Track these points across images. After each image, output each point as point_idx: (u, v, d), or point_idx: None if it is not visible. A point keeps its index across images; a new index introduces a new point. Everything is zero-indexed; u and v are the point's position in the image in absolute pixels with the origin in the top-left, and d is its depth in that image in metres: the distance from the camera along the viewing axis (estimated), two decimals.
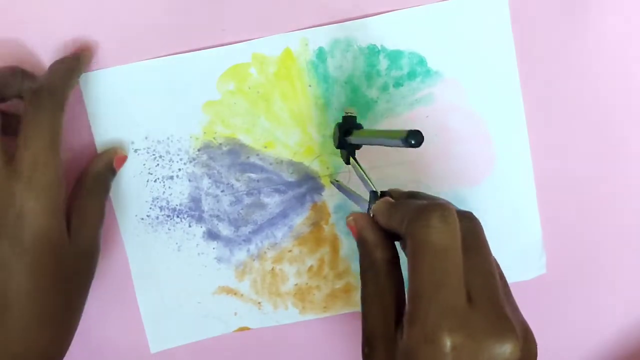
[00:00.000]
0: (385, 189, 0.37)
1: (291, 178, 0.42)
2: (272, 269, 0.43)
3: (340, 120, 0.39)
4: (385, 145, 0.34)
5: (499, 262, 0.34)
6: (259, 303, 0.44)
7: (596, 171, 0.45)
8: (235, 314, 0.43)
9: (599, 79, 0.43)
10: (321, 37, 0.40)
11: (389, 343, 0.31)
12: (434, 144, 0.42)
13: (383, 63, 0.41)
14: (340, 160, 0.40)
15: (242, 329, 0.44)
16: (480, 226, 0.33)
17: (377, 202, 0.36)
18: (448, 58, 0.41)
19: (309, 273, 0.44)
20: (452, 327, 0.28)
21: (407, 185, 0.40)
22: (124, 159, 0.41)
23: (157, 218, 0.42)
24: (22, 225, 0.34)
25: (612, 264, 0.46)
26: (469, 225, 0.32)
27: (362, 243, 0.35)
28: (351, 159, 0.39)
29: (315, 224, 0.43)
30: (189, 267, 0.42)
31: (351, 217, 0.36)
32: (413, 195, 0.37)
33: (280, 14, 0.40)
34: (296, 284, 0.44)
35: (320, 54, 0.40)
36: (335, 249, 0.44)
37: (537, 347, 0.31)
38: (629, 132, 0.45)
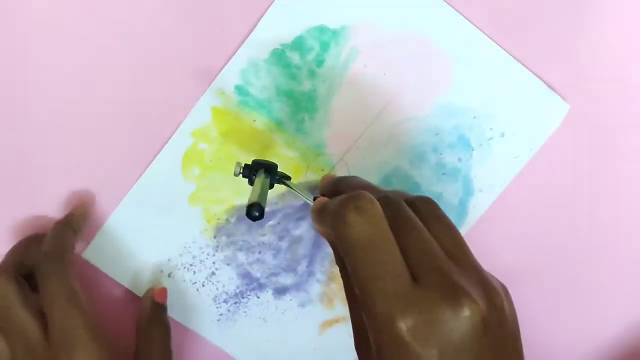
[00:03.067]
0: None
1: (300, 200, 0.42)
2: None
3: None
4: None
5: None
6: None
7: (595, 169, 0.44)
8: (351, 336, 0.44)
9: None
10: (229, 77, 0.40)
11: (365, 335, 0.31)
12: (386, 80, 0.41)
13: (293, 57, 0.40)
14: (329, 157, 0.40)
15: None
16: (400, 202, 0.32)
17: (311, 207, 0.35)
18: (345, 12, 0.40)
19: None
20: (400, 311, 0.28)
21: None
22: (163, 291, 0.42)
23: (229, 310, 0.43)
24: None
25: (612, 264, 0.46)
26: (389, 207, 0.31)
27: (331, 244, 0.36)
28: (280, 184, 0.39)
29: None
30: (283, 328, 0.44)
31: (313, 221, 0.36)
32: (339, 185, 0.36)
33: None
34: None
35: (240, 90, 0.40)
36: None
37: (511, 295, 0.31)
38: (627, 129, 0.44)
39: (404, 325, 0.28)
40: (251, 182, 0.37)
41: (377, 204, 0.31)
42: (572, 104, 0.42)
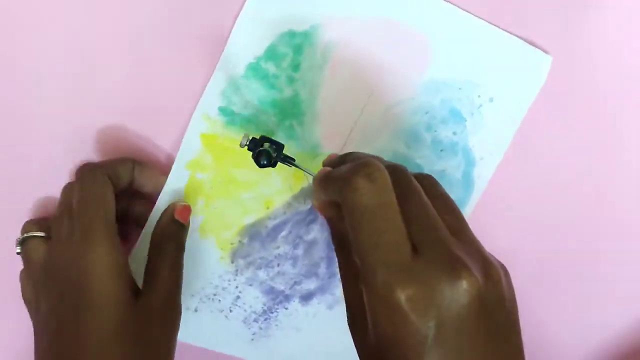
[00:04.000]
0: None
1: (308, 204, 0.42)
2: None
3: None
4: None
5: None
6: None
7: (594, 167, 0.44)
8: None
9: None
10: (210, 100, 0.40)
11: (365, 310, 0.31)
12: (366, 70, 0.41)
13: (269, 67, 0.40)
14: (326, 157, 0.40)
15: None
16: (407, 172, 0.32)
17: (314, 176, 0.35)
18: (311, 12, 0.39)
19: None
20: (400, 281, 0.28)
21: None
22: (185, 208, 0.40)
23: (261, 328, 0.43)
24: (84, 287, 0.35)
25: (612, 262, 0.46)
26: (398, 176, 0.31)
27: (328, 221, 0.36)
28: (280, 163, 0.38)
29: None
30: (316, 332, 0.44)
31: (314, 198, 0.37)
32: (345, 159, 0.36)
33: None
34: None
35: (224, 111, 0.40)
36: None
37: (509, 274, 0.31)
38: (627, 127, 0.44)
39: (403, 296, 0.28)
40: (255, 156, 0.37)
41: (386, 172, 0.31)
42: (555, 56, 0.42)
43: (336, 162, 0.37)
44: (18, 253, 0.39)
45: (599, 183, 0.44)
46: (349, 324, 0.33)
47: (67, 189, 0.39)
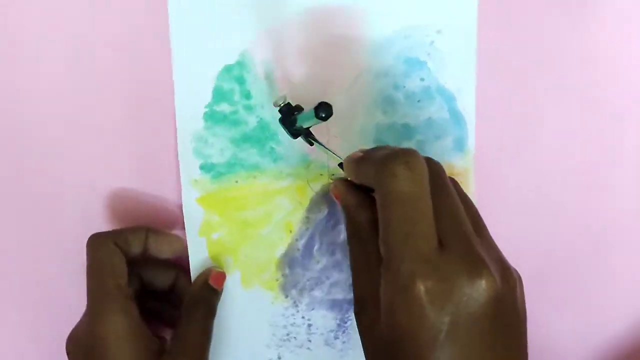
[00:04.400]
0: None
1: (324, 211, 0.42)
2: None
3: (279, 115, 0.38)
4: (311, 125, 0.36)
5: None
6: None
7: (594, 166, 0.44)
8: None
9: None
10: (188, 164, 0.40)
11: (377, 300, 0.31)
12: (310, 68, 0.40)
13: (223, 107, 0.40)
14: (317, 162, 0.40)
15: None
16: (442, 168, 0.33)
17: (345, 158, 0.35)
18: (235, 43, 0.39)
19: None
20: (423, 273, 0.29)
21: None
22: (220, 275, 0.41)
23: (344, 342, 0.43)
24: (102, 356, 0.35)
25: (612, 262, 0.46)
26: (432, 169, 0.32)
27: (345, 208, 0.36)
28: (307, 138, 0.38)
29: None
30: None
31: (332, 185, 0.37)
32: (373, 153, 0.35)
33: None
34: None
35: (206, 167, 0.40)
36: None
37: (522, 281, 0.32)
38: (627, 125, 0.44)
39: (423, 287, 0.29)
40: (283, 122, 0.37)
41: (425, 164, 0.31)
42: None
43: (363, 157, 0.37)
44: None
45: (598, 181, 0.45)
46: (356, 314, 0.34)
47: None
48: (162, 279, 0.41)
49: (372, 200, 0.34)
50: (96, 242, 0.38)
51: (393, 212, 0.30)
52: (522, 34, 0.42)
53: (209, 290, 0.40)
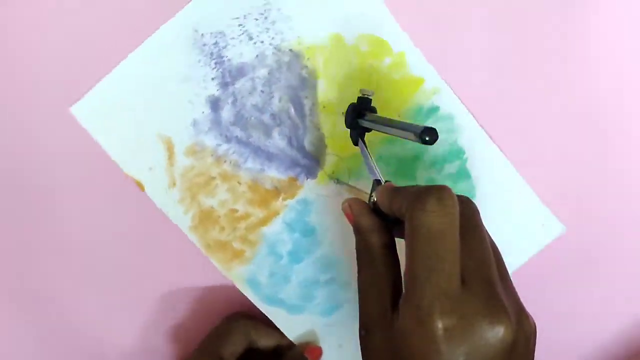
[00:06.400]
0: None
1: (307, 146, 0.44)
2: (213, 178, 0.44)
3: (355, 101, 0.39)
4: (396, 135, 0.34)
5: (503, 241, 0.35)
6: (174, 184, 0.43)
7: (595, 168, 0.45)
8: (151, 169, 0.43)
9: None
10: (448, 101, 0.44)
11: (385, 326, 0.32)
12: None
13: (451, 168, 0.45)
14: (345, 175, 0.44)
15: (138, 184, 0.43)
16: (477, 209, 0.33)
17: (379, 186, 0.35)
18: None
19: (228, 211, 0.44)
20: (444, 310, 0.29)
21: None
22: (318, 350, 0.43)
23: (204, 45, 0.42)
24: None
25: (613, 262, 0.47)
26: (466, 208, 0.32)
27: (358, 229, 0.35)
28: (360, 141, 0.39)
29: (275, 191, 0.44)
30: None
31: (346, 203, 0.36)
32: (400, 192, 0.36)
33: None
34: (211, 206, 0.44)
35: (432, 111, 0.44)
36: (264, 222, 0.45)
37: (536, 328, 0.32)
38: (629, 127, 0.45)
39: (442, 325, 0.29)
40: (355, 109, 0.39)
41: (457, 202, 0.31)
42: None
43: (392, 193, 0.36)
44: None
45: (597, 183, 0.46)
46: (361, 338, 0.34)
47: None
48: (266, 341, 0.43)
49: (386, 226, 0.35)
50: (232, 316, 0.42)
51: (419, 246, 0.30)
52: None
53: None
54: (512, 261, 0.46)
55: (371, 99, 0.39)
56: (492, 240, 0.34)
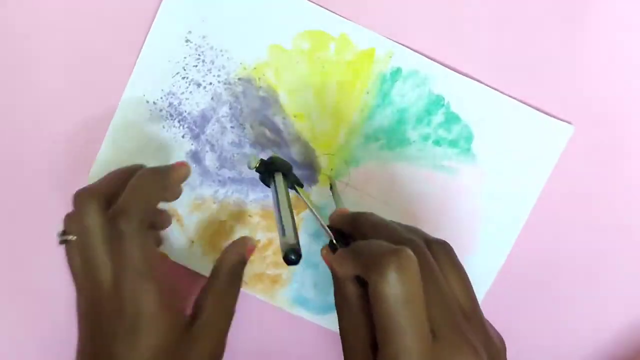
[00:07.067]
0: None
1: (297, 157, 0.45)
2: (225, 221, 0.45)
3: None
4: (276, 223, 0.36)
5: None
6: (192, 242, 0.45)
7: (595, 171, 0.45)
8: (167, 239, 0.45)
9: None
10: (406, 59, 0.43)
11: None
12: (434, 209, 0.45)
13: (438, 117, 0.44)
14: (344, 168, 0.45)
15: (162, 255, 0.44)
16: (428, 254, 0.33)
17: (333, 256, 0.35)
18: (491, 150, 0.44)
19: None
20: None
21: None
22: (253, 249, 0.41)
23: (161, 111, 0.44)
24: (138, 327, 0.35)
25: (612, 264, 0.47)
26: (418, 257, 0.31)
27: (334, 277, 0.35)
28: (297, 192, 0.40)
29: None
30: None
31: (324, 251, 0.36)
32: (358, 223, 0.37)
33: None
34: None
35: (395, 74, 0.44)
36: None
37: (506, 348, 0.34)
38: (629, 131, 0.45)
39: None
40: (263, 180, 0.40)
41: (417, 262, 0.31)
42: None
43: (349, 221, 0.37)
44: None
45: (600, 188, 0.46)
46: None
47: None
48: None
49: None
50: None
51: (387, 314, 0.30)
52: None
53: (243, 266, 0.40)
54: (536, 180, 0.45)
55: (259, 163, 0.39)
56: (456, 260, 0.34)
